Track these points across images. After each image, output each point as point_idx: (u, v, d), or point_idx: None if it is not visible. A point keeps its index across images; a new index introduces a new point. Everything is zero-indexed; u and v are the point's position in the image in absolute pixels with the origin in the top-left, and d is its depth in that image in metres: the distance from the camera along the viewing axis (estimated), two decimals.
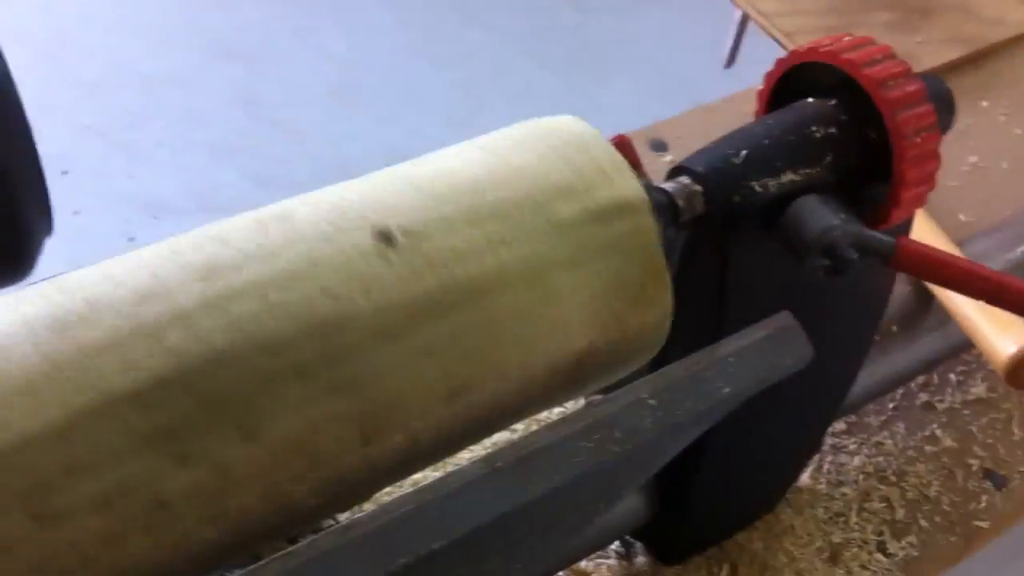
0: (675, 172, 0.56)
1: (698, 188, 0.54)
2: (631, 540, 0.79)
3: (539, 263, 0.45)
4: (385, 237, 0.42)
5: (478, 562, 0.43)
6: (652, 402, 0.46)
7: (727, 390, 0.47)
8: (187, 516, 0.39)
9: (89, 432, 0.36)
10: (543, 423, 0.46)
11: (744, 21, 1.54)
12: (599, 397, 0.47)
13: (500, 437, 0.68)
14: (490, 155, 0.47)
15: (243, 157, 2.56)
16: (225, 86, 2.78)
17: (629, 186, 0.49)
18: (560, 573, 0.76)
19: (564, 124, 0.50)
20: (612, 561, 0.78)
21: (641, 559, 0.78)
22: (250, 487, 0.40)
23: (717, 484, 0.70)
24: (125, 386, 0.37)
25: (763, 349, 0.48)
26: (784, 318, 0.49)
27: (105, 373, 0.37)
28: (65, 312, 0.38)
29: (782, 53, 0.61)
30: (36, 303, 0.38)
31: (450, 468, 0.44)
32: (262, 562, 0.39)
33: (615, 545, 0.78)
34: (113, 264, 0.41)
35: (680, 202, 0.54)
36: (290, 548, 0.40)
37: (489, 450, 0.44)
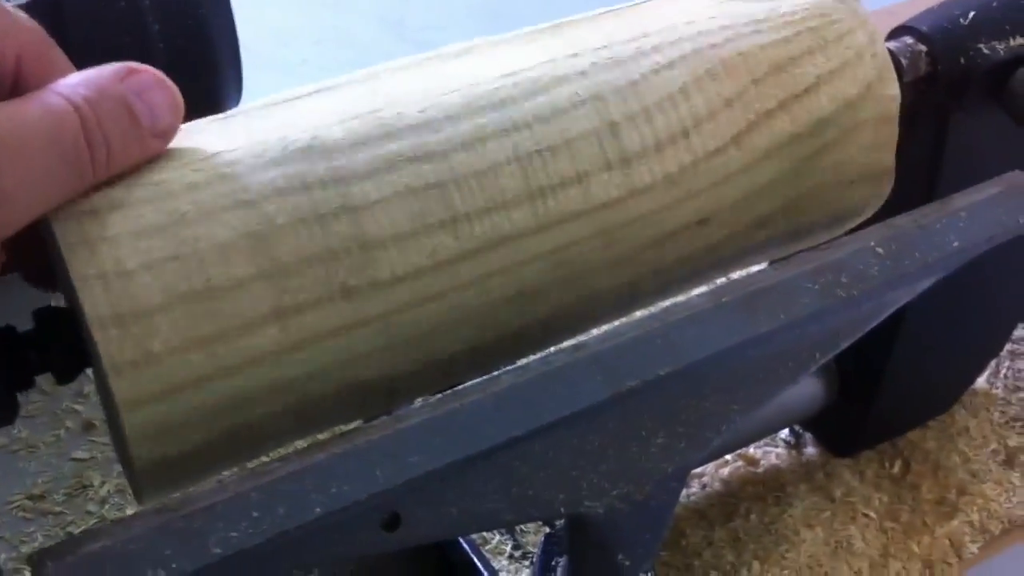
0: (897, 32, 0.54)
1: (922, 48, 0.53)
2: (800, 431, 0.78)
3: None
4: None
5: (699, 398, 0.43)
6: (880, 250, 0.45)
7: (956, 244, 0.45)
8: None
9: None
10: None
11: None
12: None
13: None
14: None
15: None
16: (373, 6, 2.80)
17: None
18: (728, 456, 0.76)
19: None
20: (781, 450, 0.77)
21: (811, 450, 0.77)
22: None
23: (904, 371, 0.69)
24: None
25: (995, 205, 0.46)
26: (1018, 177, 0.47)
27: None
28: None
29: None
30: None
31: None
32: (496, 373, 0.40)
33: (784, 434, 0.78)
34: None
35: (904, 61, 0.52)
36: (521, 363, 0.40)
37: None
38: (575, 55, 0.42)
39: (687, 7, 0.46)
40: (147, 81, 0.36)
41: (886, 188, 0.49)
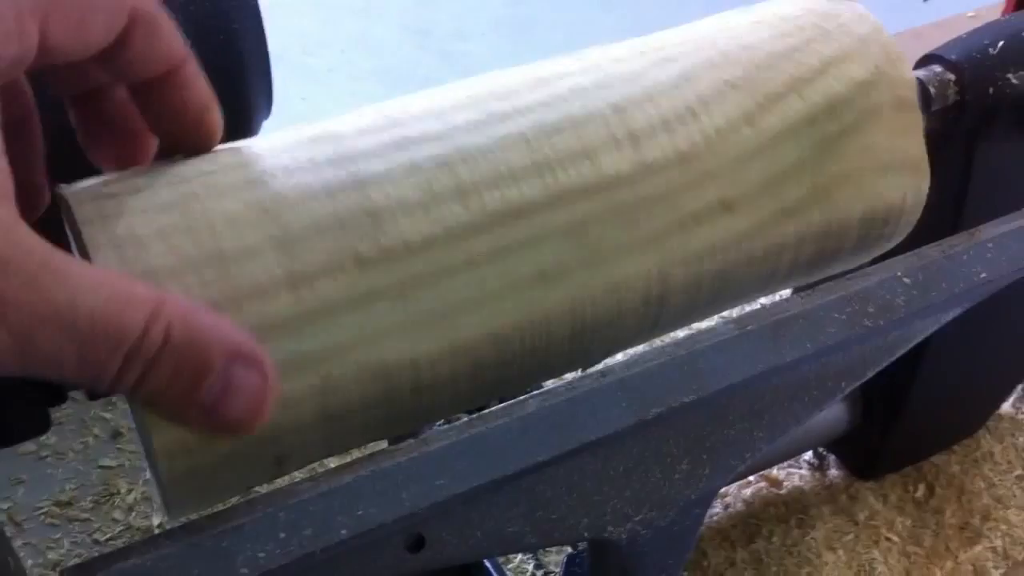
0: (926, 60, 0.54)
1: (951, 77, 0.52)
2: (824, 452, 0.78)
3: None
4: None
5: (724, 425, 0.43)
6: (907, 280, 0.45)
7: (984, 275, 0.45)
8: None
9: None
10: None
11: None
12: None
13: None
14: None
15: (412, 87, 2.58)
16: (398, 15, 2.80)
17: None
18: (751, 477, 0.76)
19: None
20: (805, 471, 0.77)
21: (834, 472, 0.77)
22: None
23: (928, 395, 0.68)
24: None
25: (1023, 237, 0.46)
26: None
27: None
28: None
29: None
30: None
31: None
32: (521, 398, 0.40)
33: (808, 456, 0.78)
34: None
35: (932, 90, 0.52)
36: (548, 388, 0.41)
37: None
38: (579, 60, 0.43)
39: (692, 26, 0.46)
40: (248, 380, 0.32)
41: (922, 181, 0.47)
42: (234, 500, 0.37)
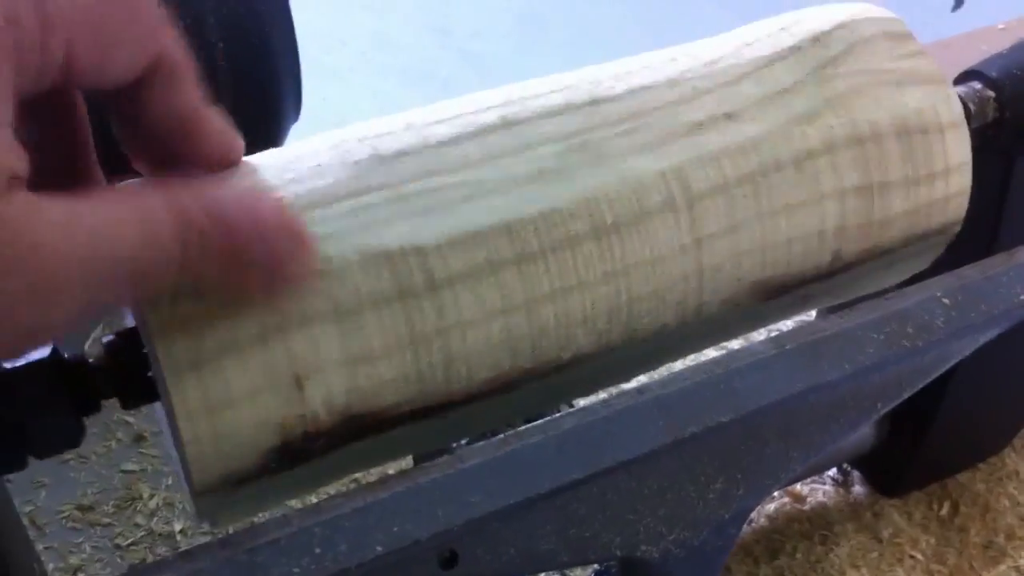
0: (965, 76, 0.53)
1: (991, 94, 0.52)
2: (848, 469, 0.77)
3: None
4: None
5: (759, 445, 0.43)
6: (946, 301, 0.44)
7: (1023, 296, 0.45)
8: None
9: None
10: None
11: None
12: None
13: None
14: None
15: (432, 85, 2.58)
16: (418, 14, 2.81)
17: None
18: (774, 492, 0.75)
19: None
20: (828, 487, 0.76)
21: (858, 488, 0.76)
22: None
23: (955, 413, 0.68)
24: None
25: None
26: None
27: None
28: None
29: None
30: None
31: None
32: (558, 414, 0.40)
33: (832, 472, 0.77)
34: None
35: (971, 107, 0.51)
36: (584, 405, 0.40)
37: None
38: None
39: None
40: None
41: (945, 90, 0.47)
42: (267, 515, 0.37)
